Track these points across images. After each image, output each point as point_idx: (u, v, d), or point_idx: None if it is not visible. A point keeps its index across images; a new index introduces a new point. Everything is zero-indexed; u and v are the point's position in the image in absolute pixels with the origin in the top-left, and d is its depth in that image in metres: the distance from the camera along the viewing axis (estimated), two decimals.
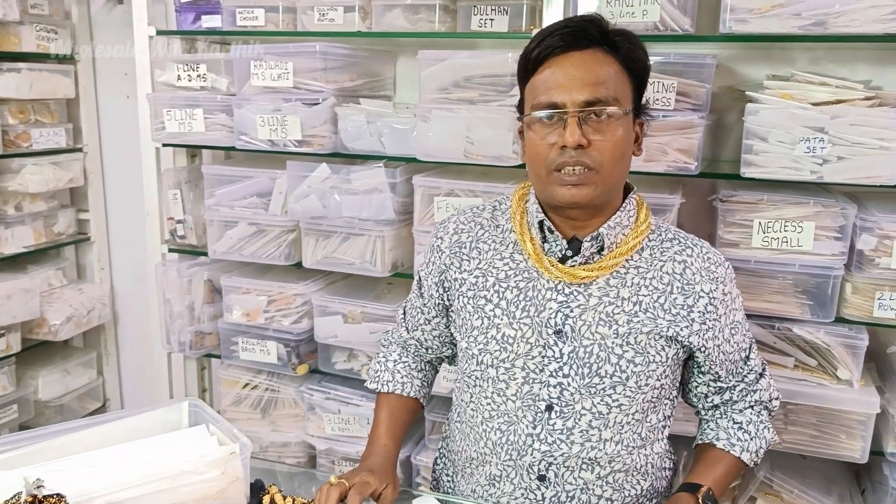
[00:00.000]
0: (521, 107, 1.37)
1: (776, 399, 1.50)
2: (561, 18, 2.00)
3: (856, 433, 1.93)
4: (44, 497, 1.08)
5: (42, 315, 2.89)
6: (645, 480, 1.42)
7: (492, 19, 2.14)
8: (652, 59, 1.88)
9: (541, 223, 1.37)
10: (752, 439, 1.44)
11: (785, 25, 1.81)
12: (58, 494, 1.09)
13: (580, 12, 1.95)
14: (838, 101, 1.80)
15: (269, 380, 2.55)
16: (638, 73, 1.33)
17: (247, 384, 2.57)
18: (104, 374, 3.25)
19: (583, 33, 1.28)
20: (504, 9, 2.13)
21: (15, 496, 1.09)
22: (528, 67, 1.31)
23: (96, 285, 3.17)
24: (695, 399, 1.49)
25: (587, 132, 1.26)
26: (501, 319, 1.39)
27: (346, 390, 2.41)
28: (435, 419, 2.32)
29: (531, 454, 1.37)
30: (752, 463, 1.45)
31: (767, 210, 1.91)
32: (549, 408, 1.36)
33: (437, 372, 1.72)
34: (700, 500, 1.34)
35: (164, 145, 2.56)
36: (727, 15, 1.83)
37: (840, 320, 1.92)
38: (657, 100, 1.92)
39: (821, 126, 1.78)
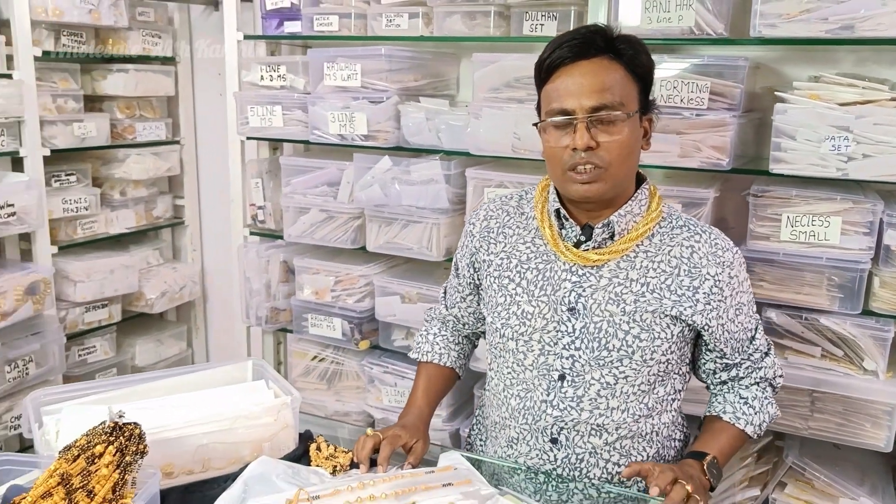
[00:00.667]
0: (539, 108, 1.53)
1: (780, 377, 1.61)
2: (603, 22, 2.15)
3: (881, 423, 1.99)
4: (123, 424, 1.31)
5: (140, 289, 3.23)
6: (651, 447, 1.55)
7: (542, 24, 2.30)
8: (686, 62, 2.04)
9: (557, 211, 1.53)
10: (756, 413, 1.56)
11: (813, 30, 1.89)
12: (134, 423, 1.32)
13: (621, 17, 2.09)
14: (865, 102, 1.87)
15: (335, 353, 2.79)
16: (642, 75, 1.46)
17: (315, 357, 2.82)
18: (193, 346, 3.58)
19: (589, 43, 1.42)
20: (553, 14, 2.28)
21: (101, 423, 1.33)
22: (541, 76, 1.47)
23: (188, 265, 3.50)
24: (704, 375, 1.61)
25: (595, 134, 1.41)
26: (522, 297, 1.55)
27: (402, 365, 2.61)
28: (482, 394, 2.50)
29: (544, 419, 1.53)
30: (756, 435, 1.56)
31: (799, 205, 2.00)
32: (562, 377, 1.51)
33: (474, 346, 1.89)
34: (705, 467, 1.46)
35: (248, 139, 2.82)
36: (757, 20, 1.93)
37: (867, 313, 1.99)
38: (691, 99, 2.04)
39: (846, 125, 1.86)
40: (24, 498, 1.21)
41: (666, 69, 2.06)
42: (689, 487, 1.33)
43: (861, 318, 1.99)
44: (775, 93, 1.98)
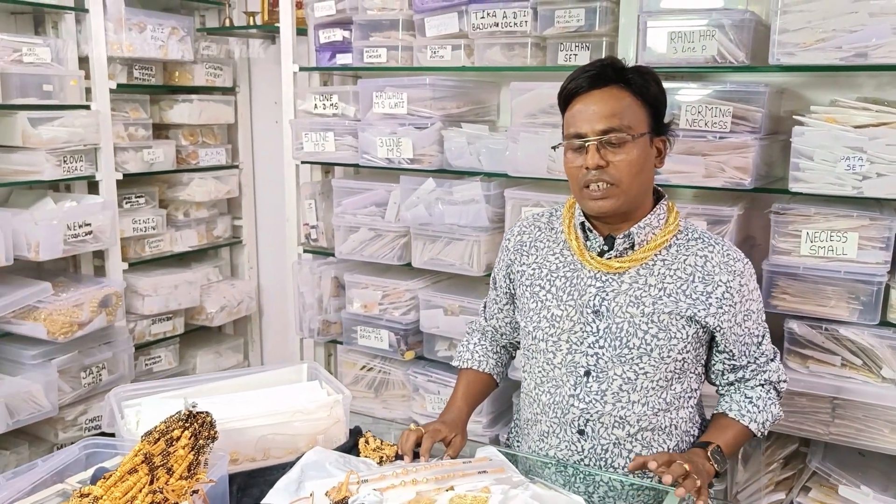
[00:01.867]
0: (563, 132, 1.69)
1: (784, 382, 1.74)
2: (632, 52, 2.31)
3: None
4: (197, 412, 1.49)
5: (201, 304, 3.46)
6: (670, 440, 1.69)
7: (575, 54, 2.46)
8: (710, 88, 2.18)
9: (582, 224, 1.68)
10: (759, 412, 1.68)
11: (829, 57, 2.02)
12: (206, 411, 1.50)
13: (648, 46, 2.24)
14: (879, 124, 1.99)
15: (382, 363, 2.96)
16: (651, 102, 1.61)
17: (364, 366, 3.00)
18: (249, 358, 3.79)
19: (600, 75, 1.59)
20: (586, 45, 2.45)
21: (178, 412, 1.52)
22: (562, 103, 1.65)
23: (246, 282, 3.73)
24: (713, 376, 1.74)
25: (606, 155, 1.57)
26: (552, 302, 1.71)
27: (445, 374, 2.76)
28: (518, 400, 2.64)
29: (572, 412, 1.68)
30: (759, 433, 1.69)
31: (818, 222, 2.11)
32: (587, 373, 1.66)
33: (511, 357, 2.03)
34: (709, 454, 1.59)
35: (303, 162, 3.03)
36: (776, 49, 2.06)
37: (885, 324, 2.09)
38: (714, 123, 2.17)
39: (860, 146, 1.98)
40: (113, 474, 1.40)
41: (691, 95, 2.21)
42: (686, 467, 1.48)
43: (879, 329, 2.09)
44: (793, 116, 2.11)
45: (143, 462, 1.41)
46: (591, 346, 1.65)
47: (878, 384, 2.10)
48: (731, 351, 1.66)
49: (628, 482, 1.64)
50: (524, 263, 1.79)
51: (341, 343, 3.01)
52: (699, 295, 1.61)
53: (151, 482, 1.37)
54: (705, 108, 2.18)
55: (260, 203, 3.74)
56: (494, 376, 1.97)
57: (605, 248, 1.67)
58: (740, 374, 1.71)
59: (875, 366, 2.11)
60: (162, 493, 1.34)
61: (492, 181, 2.60)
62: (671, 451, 1.69)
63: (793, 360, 2.20)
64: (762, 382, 1.71)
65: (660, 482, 1.55)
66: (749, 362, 1.69)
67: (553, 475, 1.68)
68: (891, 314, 2.09)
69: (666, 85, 2.16)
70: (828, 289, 2.12)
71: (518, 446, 1.90)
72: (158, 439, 1.45)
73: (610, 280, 1.65)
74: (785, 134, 2.36)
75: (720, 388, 1.76)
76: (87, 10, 2.90)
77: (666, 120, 1.67)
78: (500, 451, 1.71)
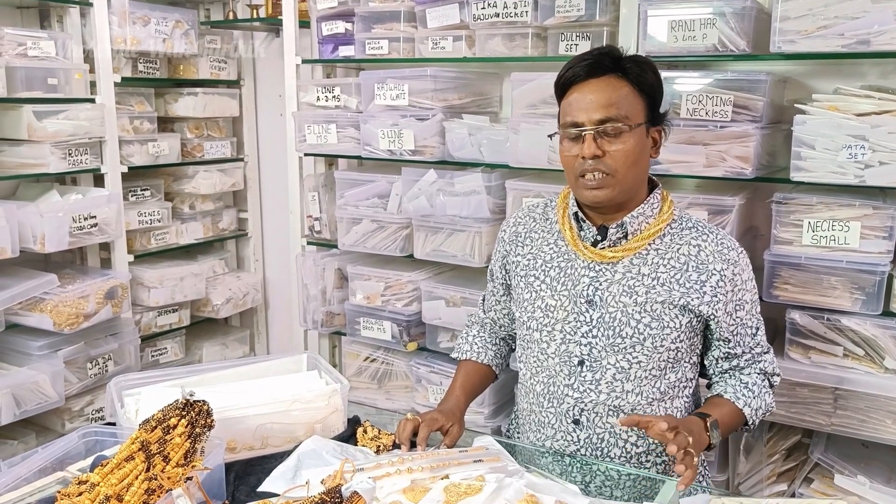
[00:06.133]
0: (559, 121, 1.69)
1: (777, 375, 1.73)
2: (633, 41, 2.30)
3: None
4: (194, 401, 1.50)
5: (207, 296, 3.47)
6: None
7: (576, 44, 2.45)
8: (711, 77, 2.16)
9: (575, 214, 1.68)
10: (754, 397, 1.67)
11: (830, 45, 2.01)
12: (203, 400, 1.51)
13: (649, 35, 2.23)
14: (882, 112, 1.97)
15: (385, 354, 2.97)
16: (648, 91, 1.60)
17: (367, 358, 3.01)
18: (255, 350, 3.81)
19: (598, 64, 1.58)
20: (587, 35, 2.44)
21: (175, 400, 1.53)
22: (558, 92, 1.64)
23: (251, 274, 3.74)
24: (707, 364, 1.74)
25: (602, 144, 1.56)
26: (546, 292, 1.70)
27: (448, 366, 2.76)
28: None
29: (567, 401, 1.68)
30: (751, 421, 1.67)
31: (820, 211, 2.10)
32: (581, 363, 1.66)
33: (511, 349, 2.03)
34: (707, 424, 1.57)
35: (306, 155, 3.04)
36: (777, 37, 2.05)
37: (888, 314, 2.07)
38: (715, 112, 2.16)
39: (862, 134, 1.97)
40: (110, 460, 1.41)
41: (691, 84, 2.20)
42: (690, 439, 1.44)
43: (881, 319, 2.08)
44: (795, 105, 2.09)
45: (139, 450, 1.42)
46: (585, 335, 1.65)
47: (880, 375, 2.09)
48: (727, 338, 1.66)
49: (625, 472, 1.64)
50: (519, 254, 1.79)
51: (345, 334, 3.03)
52: (693, 284, 1.61)
53: (148, 469, 1.38)
54: (706, 97, 2.16)
55: (265, 196, 3.76)
56: (493, 368, 1.97)
57: (599, 237, 1.66)
58: (735, 363, 1.70)
59: (878, 356, 2.09)
60: (157, 479, 1.35)
61: (493, 172, 2.60)
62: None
63: (795, 351, 2.19)
64: (757, 371, 1.71)
65: (658, 459, 1.54)
66: (744, 351, 1.69)
67: (550, 465, 1.69)
68: (894, 304, 2.07)
69: (667, 74, 2.18)
70: (830, 279, 2.11)
71: (518, 437, 1.91)
72: (155, 427, 1.46)
73: (603, 270, 1.65)
74: (788, 123, 2.34)
75: (714, 375, 1.75)
76: (91, 4, 2.91)
77: (662, 110, 1.66)
78: (497, 440, 1.72)
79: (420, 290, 2.78)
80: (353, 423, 1.81)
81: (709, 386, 1.77)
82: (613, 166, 1.57)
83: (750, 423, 1.68)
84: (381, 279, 2.86)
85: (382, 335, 2.86)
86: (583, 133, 1.58)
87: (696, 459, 1.43)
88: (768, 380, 1.72)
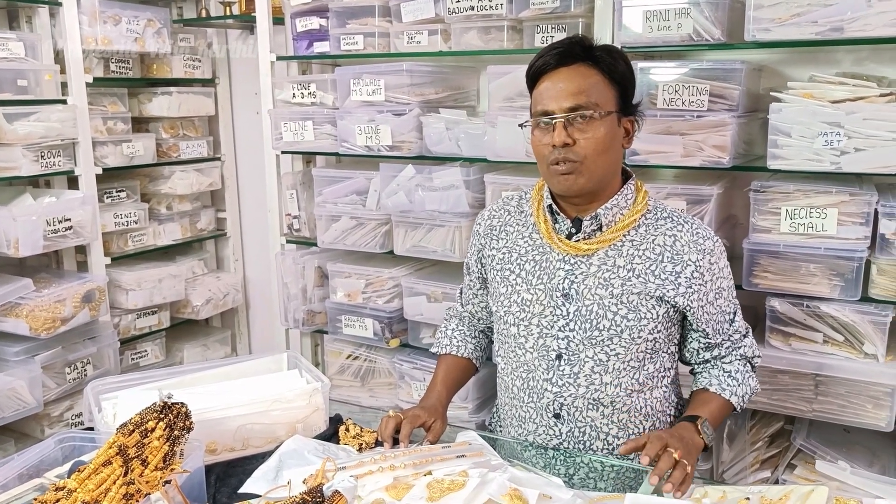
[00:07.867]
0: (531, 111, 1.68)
1: (758, 357, 1.74)
2: (608, 32, 2.29)
3: (883, 404, 2.08)
4: (172, 404, 1.48)
5: (187, 297, 3.44)
6: (647, 420, 1.68)
7: (552, 36, 2.44)
8: (686, 66, 2.16)
9: (549, 207, 1.67)
10: (739, 385, 1.68)
11: (804, 32, 2.01)
12: (181, 402, 1.49)
13: (624, 26, 2.23)
14: (856, 99, 1.98)
15: (368, 352, 2.96)
16: (620, 81, 1.60)
17: (349, 355, 2.99)
18: (237, 350, 3.78)
19: (568, 52, 1.57)
20: (562, 26, 2.43)
21: (153, 403, 1.51)
22: (530, 81, 1.63)
23: (231, 274, 3.71)
24: (688, 355, 1.74)
25: (572, 132, 1.56)
26: (521, 286, 1.70)
27: (430, 361, 2.75)
28: None
29: (546, 396, 1.67)
30: (739, 407, 1.68)
31: (798, 199, 2.11)
32: (559, 356, 1.65)
33: (491, 341, 2.02)
34: (699, 427, 1.57)
35: (283, 153, 3.01)
36: (751, 25, 2.05)
37: (866, 299, 2.08)
38: (692, 102, 2.16)
39: (838, 121, 1.97)
40: (87, 465, 1.39)
41: (667, 74, 2.19)
42: (676, 455, 1.42)
43: (860, 305, 2.09)
44: (771, 93, 2.09)
45: (117, 454, 1.40)
46: (562, 329, 1.64)
47: (859, 360, 2.10)
48: (704, 329, 1.66)
49: (608, 462, 1.64)
50: (494, 248, 1.78)
51: (326, 333, 3.01)
52: (668, 275, 1.60)
53: (126, 474, 1.36)
54: (682, 86, 2.16)
55: (244, 195, 3.72)
56: (474, 361, 1.97)
57: (573, 230, 1.65)
58: (715, 352, 1.70)
59: (857, 341, 2.10)
60: (135, 484, 1.33)
61: (471, 166, 2.59)
62: (648, 430, 1.69)
63: (775, 338, 2.20)
64: (738, 357, 1.71)
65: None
66: (724, 339, 1.69)
67: (534, 458, 1.68)
68: (872, 289, 2.08)
69: (643, 64, 2.19)
70: (809, 266, 2.12)
71: (500, 431, 1.90)
72: (133, 431, 1.44)
73: (579, 262, 1.64)
74: (764, 112, 2.35)
75: (695, 366, 1.75)
76: (60, 4, 2.87)
77: (636, 100, 1.66)
78: (480, 435, 1.71)
79: (401, 286, 2.77)
80: (336, 421, 1.80)
81: (692, 373, 1.77)
82: (583, 154, 1.56)
83: (737, 409, 1.69)
84: (361, 276, 2.84)
85: (364, 332, 2.85)
86: (553, 121, 1.57)
87: (689, 468, 1.42)
88: (749, 363, 1.72)
